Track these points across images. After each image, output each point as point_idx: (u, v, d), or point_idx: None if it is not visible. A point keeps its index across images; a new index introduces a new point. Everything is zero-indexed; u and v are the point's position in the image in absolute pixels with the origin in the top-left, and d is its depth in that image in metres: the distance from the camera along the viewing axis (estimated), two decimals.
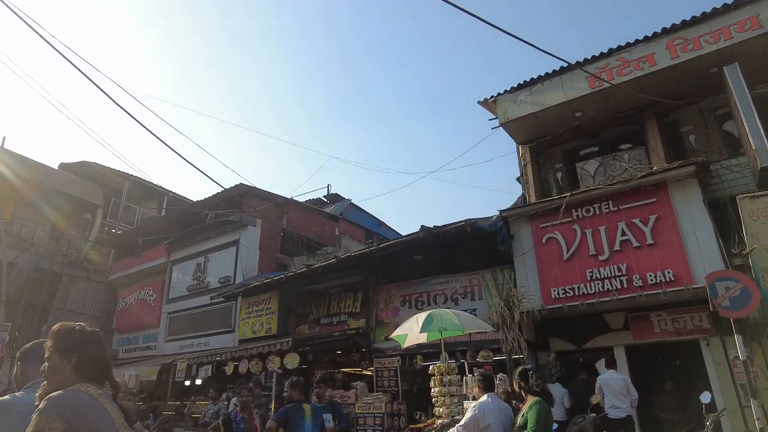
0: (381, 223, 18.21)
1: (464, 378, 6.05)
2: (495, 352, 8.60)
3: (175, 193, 21.28)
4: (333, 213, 16.61)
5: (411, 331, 5.62)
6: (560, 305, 8.22)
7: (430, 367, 6.16)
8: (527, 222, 9.12)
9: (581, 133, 10.03)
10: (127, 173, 19.85)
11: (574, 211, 8.68)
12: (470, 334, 7.95)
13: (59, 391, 1.71)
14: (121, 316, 16.59)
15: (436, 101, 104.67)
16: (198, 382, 11.10)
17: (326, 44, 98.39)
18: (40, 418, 1.62)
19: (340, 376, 10.82)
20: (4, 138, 14.23)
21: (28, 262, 16.01)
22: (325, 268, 10.02)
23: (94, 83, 6.45)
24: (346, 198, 17.57)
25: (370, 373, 10.99)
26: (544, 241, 8.85)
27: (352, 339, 10.40)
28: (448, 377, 5.61)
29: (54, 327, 1.92)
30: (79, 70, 6.20)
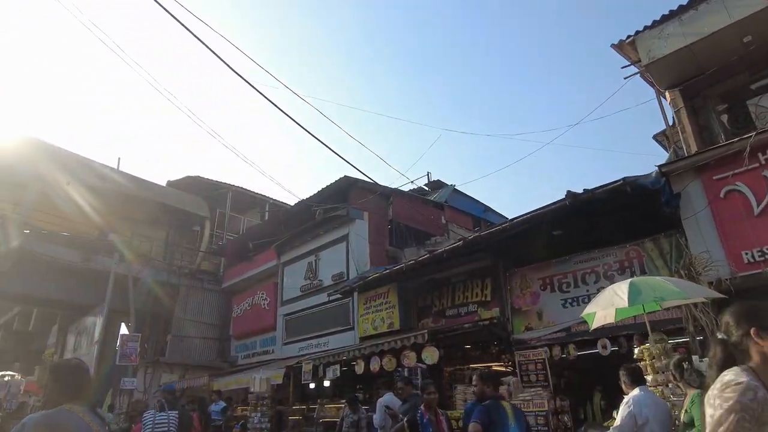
0: (487, 209, 16.98)
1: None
2: (670, 335, 7.14)
3: (275, 199, 21.51)
4: (437, 200, 15.66)
5: (608, 307, 4.47)
6: (759, 270, 6.63)
7: (636, 351, 4.95)
8: (695, 176, 7.54)
9: (749, 64, 8.24)
10: (229, 184, 20.32)
11: (761, 154, 7.02)
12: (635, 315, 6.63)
13: (48, 411, 2.40)
14: (238, 322, 16.78)
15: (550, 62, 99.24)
16: (326, 383, 10.60)
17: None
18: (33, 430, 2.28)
19: (468, 372, 9.81)
20: (119, 159, 14.77)
21: (149, 276, 16.68)
22: (451, 253, 9.05)
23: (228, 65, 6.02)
24: (449, 184, 16.53)
25: (502, 367, 9.93)
26: (722, 195, 7.25)
27: (488, 330, 9.34)
28: (664, 362, 4.39)
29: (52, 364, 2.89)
30: (205, 46, 5.79)
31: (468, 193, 16.52)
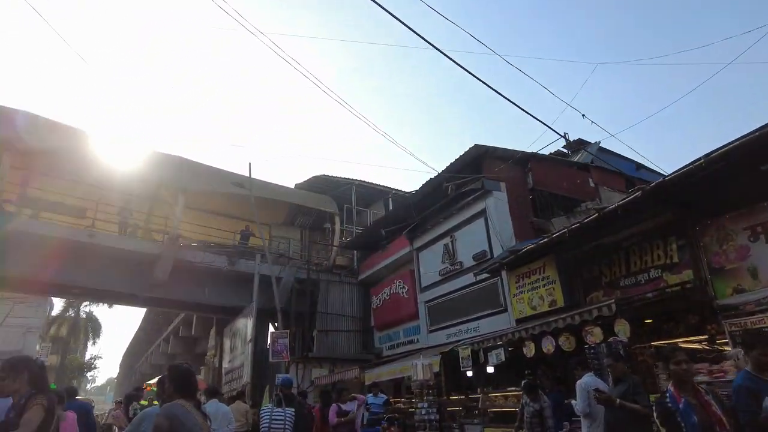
0: (640, 166, 14.71)
1: None
2: None
3: (396, 189, 21.08)
4: (582, 162, 13.87)
5: None
6: None
7: None
8: None
9: None
10: (352, 179, 20.29)
11: None
12: None
13: (168, 404, 3.14)
14: (378, 313, 16.49)
15: None
16: (490, 369, 9.63)
17: None
18: (157, 418, 3.04)
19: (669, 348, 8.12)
20: (250, 164, 15.20)
21: (289, 275, 17.07)
22: (627, 208, 7.53)
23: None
24: (593, 142, 14.59)
25: (698, 345, 8.13)
26: None
27: (681, 298, 7.67)
28: None
29: (169, 366, 3.53)
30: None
31: (616, 151, 14.46)
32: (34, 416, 2.75)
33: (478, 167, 12.22)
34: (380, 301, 16.34)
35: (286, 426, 6.50)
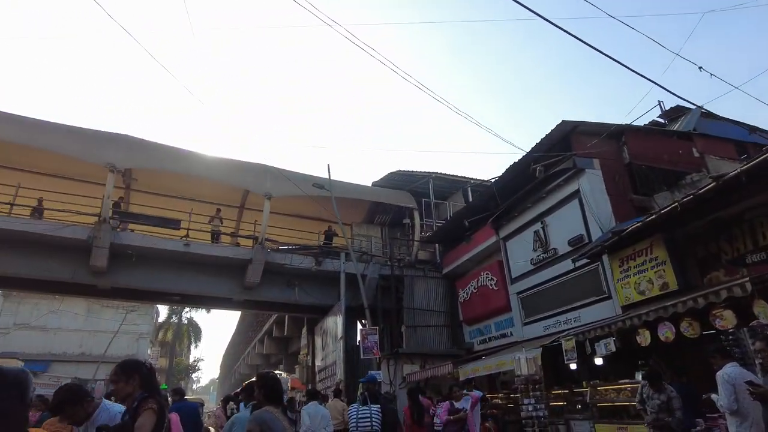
0: (754, 129, 13.05)
1: None
2: None
3: (475, 179, 20.46)
4: (683, 130, 12.56)
5: None
6: None
7: None
8: None
9: None
10: (428, 172, 19.95)
11: None
12: None
13: (258, 410, 3.52)
14: (466, 307, 16.03)
15: None
16: (598, 361, 8.93)
17: None
18: (248, 424, 3.42)
19: None
20: (329, 165, 15.37)
21: (374, 272, 17.09)
22: (752, 173, 6.58)
23: None
24: (694, 107, 13.15)
25: None
26: None
27: None
28: None
29: (257, 374, 4.20)
30: None
31: (723, 114, 12.96)
32: (146, 421, 2.80)
33: (567, 145, 11.42)
34: (467, 294, 15.88)
35: (373, 423, 6.41)
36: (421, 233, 19.08)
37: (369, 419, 6.48)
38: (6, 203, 14.02)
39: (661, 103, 14.01)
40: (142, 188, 17.92)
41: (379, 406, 6.68)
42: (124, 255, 14.77)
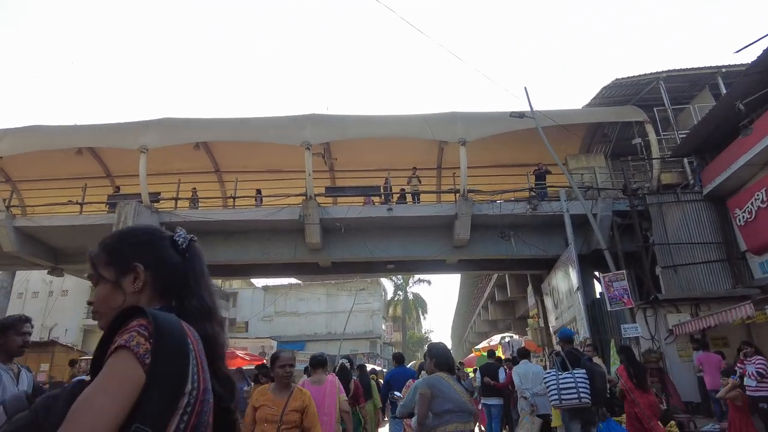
0: None
1: None
2: None
3: (728, 65, 15.32)
4: None
5: None
6: None
7: None
8: None
9: None
10: (656, 72, 15.68)
11: None
12: None
13: (430, 376, 3.88)
14: (750, 230, 11.79)
15: None
16: None
17: None
18: (421, 388, 3.75)
19: None
20: (526, 89, 12.86)
21: (605, 209, 13.93)
22: None
23: None
24: None
25: None
26: None
27: None
28: None
29: (428, 345, 4.60)
30: None
31: None
32: None
33: None
34: (749, 213, 11.62)
35: (581, 393, 5.25)
36: (661, 152, 15.07)
37: (575, 389, 5.30)
38: (229, 197, 15.33)
39: None
40: (343, 167, 18.11)
41: (584, 371, 5.41)
42: (335, 229, 14.82)
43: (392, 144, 16.79)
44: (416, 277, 48.15)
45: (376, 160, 17.10)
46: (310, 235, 14.42)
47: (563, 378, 5.46)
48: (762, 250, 11.57)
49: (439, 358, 3.93)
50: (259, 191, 15.95)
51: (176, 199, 15.51)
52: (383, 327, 45.78)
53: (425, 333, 56.45)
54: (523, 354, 7.65)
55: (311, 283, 45.49)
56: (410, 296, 48.78)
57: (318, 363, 5.14)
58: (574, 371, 5.45)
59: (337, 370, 6.74)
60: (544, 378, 5.97)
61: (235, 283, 50.25)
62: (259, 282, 49.66)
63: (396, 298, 48.57)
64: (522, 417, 7.21)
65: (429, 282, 46.86)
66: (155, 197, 15.51)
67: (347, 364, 6.77)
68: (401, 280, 47.60)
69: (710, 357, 9.35)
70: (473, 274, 31.82)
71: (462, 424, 3.63)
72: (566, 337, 6.12)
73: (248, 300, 44.63)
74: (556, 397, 5.43)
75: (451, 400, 3.64)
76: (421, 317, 52.44)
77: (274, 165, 17.07)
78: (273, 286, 46.49)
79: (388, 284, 48.56)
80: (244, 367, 12.45)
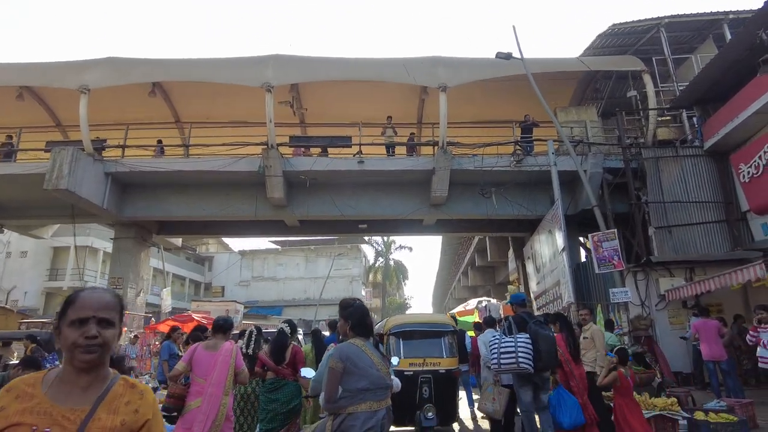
0: None
1: None
2: None
3: (734, 11, 13.96)
4: None
5: None
6: None
7: None
8: None
9: None
10: (656, 17, 14.28)
11: None
12: None
13: (342, 344, 3.31)
14: (753, 188, 10.71)
15: None
16: None
17: None
18: (330, 360, 3.16)
19: None
20: (514, 27, 11.40)
21: (595, 165, 12.72)
22: None
23: None
24: None
25: None
26: None
27: None
28: None
29: (341, 302, 3.64)
30: None
31: None
32: None
33: None
34: (755, 169, 10.50)
35: (519, 358, 5.09)
36: (658, 104, 13.84)
37: (514, 353, 5.17)
38: (182, 145, 13.80)
39: None
40: (316, 121, 16.55)
41: (527, 335, 5.26)
42: (300, 184, 13.45)
43: (369, 95, 15.29)
44: (398, 243, 47.21)
45: (351, 113, 15.52)
46: (272, 188, 13.02)
47: (504, 342, 5.32)
48: (764, 209, 10.51)
49: (355, 320, 3.35)
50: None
51: (123, 146, 13.91)
52: (363, 293, 44.99)
53: (406, 299, 55.95)
54: (489, 322, 7.36)
55: (290, 248, 44.37)
56: (391, 263, 47.93)
57: (218, 327, 4.50)
58: (517, 336, 5.29)
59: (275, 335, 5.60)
60: (489, 342, 5.74)
61: (211, 248, 48.86)
62: (236, 246, 48.31)
63: (377, 264, 47.68)
64: (485, 387, 6.53)
65: (410, 248, 46.09)
66: (99, 144, 13.87)
67: (286, 329, 5.56)
68: (382, 247, 46.65)
69: (707, 324, 8.34)
70: (454, 240, 30.86)
71: (376, 403, 3.13)
72: (518, 301, 6.00)
73: (224, 265, 43.31)
74: (496, 361, 5.30)
75: (367, 376, 3.13)
76: (402, 284, 51.80)
77: (240, 116, 15.42)
78: (250, 251, 45.27)
79: (369, 250, 47.63)
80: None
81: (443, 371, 6.43)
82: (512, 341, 5.24)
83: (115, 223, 15.42)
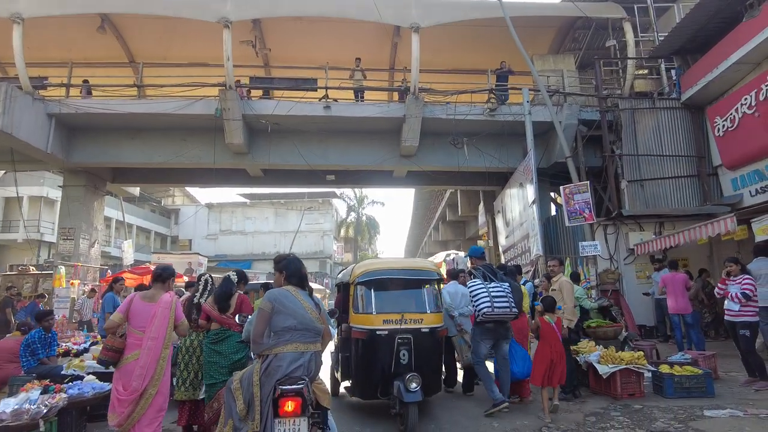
0: None
1: None
2: None
3: None
4: None
5: None
6: None
7: None
8: None
9: None
10: None
11: None
12: None
13: (274, 289, 3.39)
14: (727, 142, 10.52)
15: None
16: None
17: None
18: (261, 302, 3.33)
19: None
20: None
21: (570, 116, 12.31)
22: None
23: None
24: None
25: None
26: None
27: None
28: None
29: (276, 257, 3.96)
30: None
31: None
32: None
33: None
34: (730, 122, 10.27)
35: (510, 301, 5.18)
36: (637, 56, 13.37)
37: (506, 298, 5.16)
38: (133, 85, 12.72)
39: None
40: (279, 63, 15.47)
41: (508, 284, 5.38)
42: (262, 130, 12.67)
43: (338, 37, 14.31)
44: (370, 198, 46.78)
45: (318, 56, 14.52)
46: (231, 134, 12.20)
47: (494, 287, 5.23)
48: (738, 163, 10.35)
49: (290, 271, 3.45)
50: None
51: (68, 85, 12.73)
52: (334, 247, 44.75)
53: (377, 254, 56.15)
54: (454, 275, 7.27)
55: (258, 201, 43.42)
56: (363, 218, 47.60)
57: (157, 276, 4.10)
58: (503, 283, 5.32)
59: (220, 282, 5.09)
60: (469, 288, 5.46)
61: (177, 200, 47.43)
62: (203, 199, 47.02)
63: (348, 219, 47.28)
64: (455, 340, 6.38)
65: (383, 203, 45.77)
66: (40, 83, 12.65)
67: (233, 277, 5.05)
68: (354, 202, 46.14)
69: (675, 277, 8.21)
70: (426, 195, 30.53)
71: (303, 344, 3.17)
72: (477, 254, 6.21)
73: (191, 218, 42.13)
74: (488, 304, 5.09)
75: (294, 316, 3.20)
76: (374, 239, 51.73)
77: (199, 57, 14.23)
78: (218, 204, 44.10)
79: (341, 205, 47.07)
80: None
81: (427, 330, 5.05)
82: (500, 287, 5.26)
83: (64, 170, 14.40)
